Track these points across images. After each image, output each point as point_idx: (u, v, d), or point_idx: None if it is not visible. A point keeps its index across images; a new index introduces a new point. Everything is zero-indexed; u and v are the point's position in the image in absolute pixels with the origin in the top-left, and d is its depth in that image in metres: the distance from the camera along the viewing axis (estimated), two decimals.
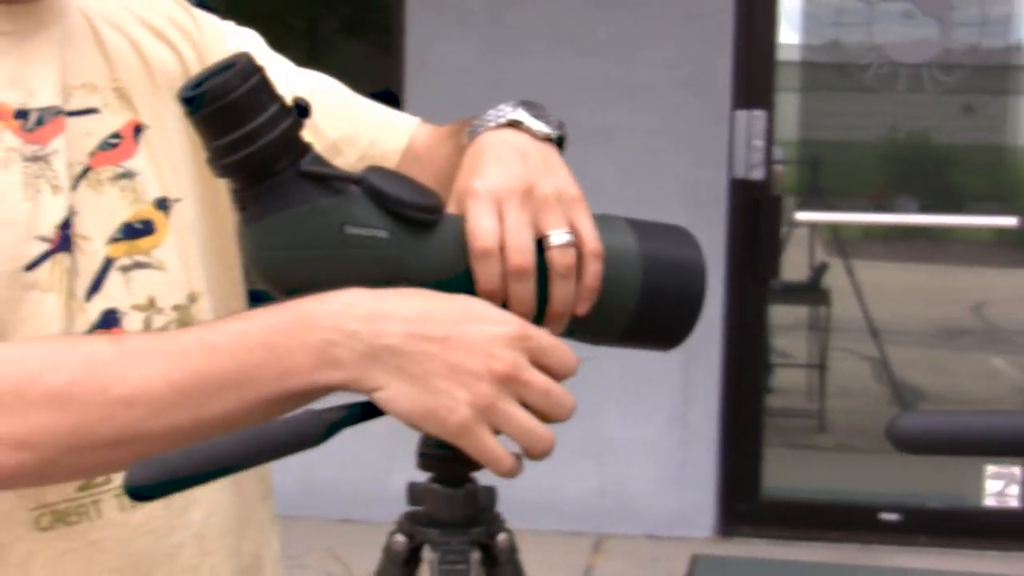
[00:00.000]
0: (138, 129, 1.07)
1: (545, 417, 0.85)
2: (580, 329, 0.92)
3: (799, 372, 4.81)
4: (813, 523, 4.24)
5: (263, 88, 0.83)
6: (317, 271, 0.85)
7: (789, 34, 4.38)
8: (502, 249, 0.87)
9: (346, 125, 1.17)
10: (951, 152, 4.65)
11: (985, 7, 4.34)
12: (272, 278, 0.87)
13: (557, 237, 0.89)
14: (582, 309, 0.91)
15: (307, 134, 0.98)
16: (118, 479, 0.91)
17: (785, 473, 4.41)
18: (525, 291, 0.88)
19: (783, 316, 4.63)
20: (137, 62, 1.10)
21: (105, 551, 1.00)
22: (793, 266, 4.71)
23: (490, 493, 0.92)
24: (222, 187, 1.08)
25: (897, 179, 4.75)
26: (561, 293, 0.89)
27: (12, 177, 0.98)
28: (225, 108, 0.81)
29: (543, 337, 0.85)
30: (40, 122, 1.01)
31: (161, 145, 1.08)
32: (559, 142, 0.99)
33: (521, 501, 4.24)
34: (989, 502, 4.21)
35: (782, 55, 4.30)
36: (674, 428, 4.18)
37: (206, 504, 1.06)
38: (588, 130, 4.15)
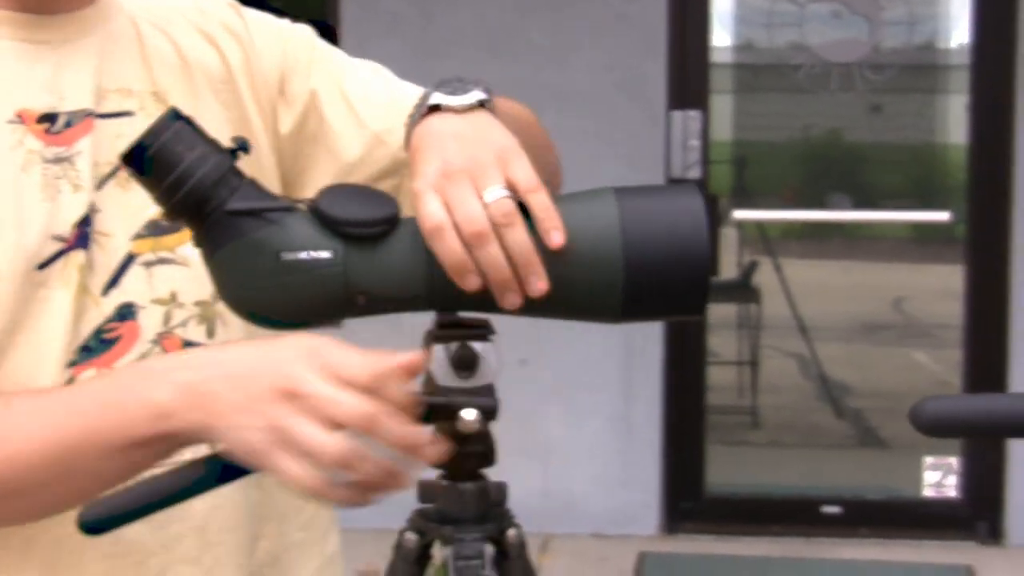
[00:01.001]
0: None
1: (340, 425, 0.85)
2: (576, 307, 0.91)
3: (734, 369, 4.85)
4: (756, 518, 4.28)
5: (182, 137, 0.88)
6: (267, 299, 0.89)
7: (721, 35, 4.43)
8: (457, 227, 0.88)
9: (387, 116, 1.18)
10: (882, 150, 4.73)
11: (913, 6, 4.41)
12: (235, 309, 0.91)
13: (490, 194, 0.89)
14: (555, 242, 0.89)
15: (352, 127, 1.12)
16: None
17: (727, 469, 4.45)
18: (491, 255, 0.88)
19: (717, 314, 4.67)
20: (179, 66, 1.13)
21: (98, 538, 1.01)
22: (725, 265, 4.75)
23: (501, 489, 0.93)
24: (288, 159, 1.16)
25: (827, 177, 4.81)
26: (514, 243, 0.88)
27: (32, 179, 1.03)
28: (151, 160, 0.87)
29: (335, 352, 0.86)
30: (68, 124, 1.06)
31: None
32: (485, 103, 0.98)
33: None
34: (928, 492, 4.27)
35: (715, 57, 4.35)
36: (617, 427, 4.21)
37: (212, 496, 1.05)
38: None
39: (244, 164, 1.02)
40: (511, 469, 3.89)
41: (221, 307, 1.07)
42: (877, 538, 4.16)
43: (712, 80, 4.30)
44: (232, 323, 1.08)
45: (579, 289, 0.89)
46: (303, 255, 0.87)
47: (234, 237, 0.88)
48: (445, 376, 0.90)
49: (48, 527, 1.00)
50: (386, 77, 1.24)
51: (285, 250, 0.87)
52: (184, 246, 1.08)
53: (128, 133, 1.06)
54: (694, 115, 4.17)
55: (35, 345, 1.02)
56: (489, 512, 0.92)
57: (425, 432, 0.87)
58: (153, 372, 0.92)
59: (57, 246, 1.03)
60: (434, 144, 0.94)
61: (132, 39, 1.12)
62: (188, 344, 1.07)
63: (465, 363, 0.90)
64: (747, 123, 4.74)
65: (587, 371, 4.19)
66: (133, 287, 1.06)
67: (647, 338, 4.17)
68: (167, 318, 1.07)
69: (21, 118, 1.05)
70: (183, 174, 0.86)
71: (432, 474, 0.93)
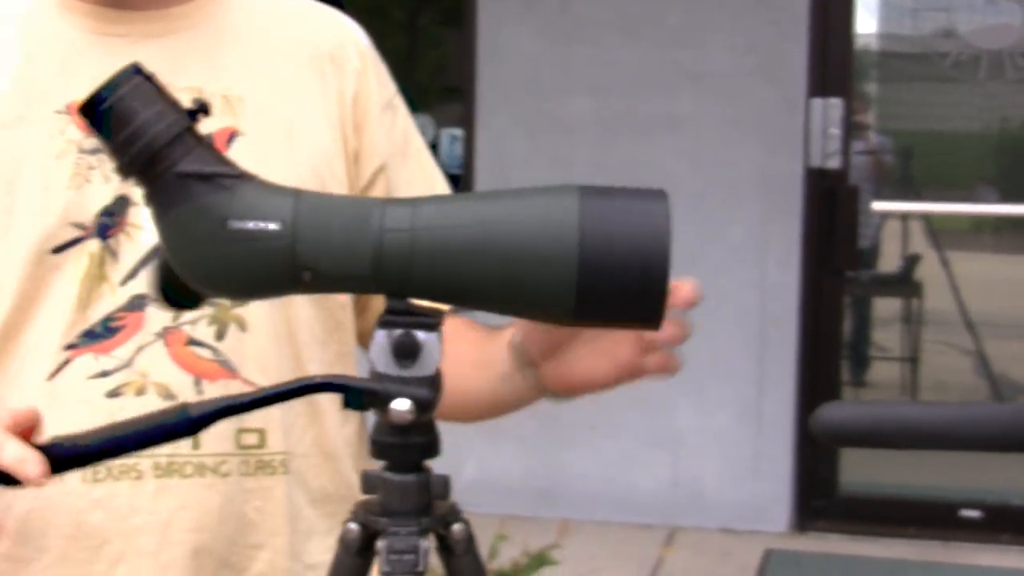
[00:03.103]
0: (233, 135, 1.11)
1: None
2: (529, 304, 0.87)
3: (884, 365, 4.73)
4: (891, 519, 4.17)
5: (140, 93, 0.85)
6: (213, 267, 0.86)
7: (865, 20, 4.30)
8: None
9: None
10: None
11: None
12: (183, 275, 0.88)
13: None
14: None
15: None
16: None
17: (863, 467, 4.32)
18: None
19: (876, 309, 4.55)
20: (267, 76, 1.14)
21: (59, 515, 1.05)
22: (888, 258, 4.63)
23: (444, 482, 0.90)
24: None
25: (978, 168, 4.65)
26: None
27: (63, 167, 1.07)
28: (105, 114, 0.84)
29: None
30: None
31: (253, 154, 1.09)
32: None
33: (593, 494, 4.24)
34: None
35: (858, 43, 4.23)
36: (748, 420, 4.12)
37: (180, 497, 1.07)
38: (657, 118, 4.11)
39: (333, 160, 1.05)
40: (640, 460, 3.87)
41: (240, 312, 1.09)
42: (1019, 545, 4.01)
43: (855, 66, 4.19)
44: (250, 329, 1.09)
45: (531, 286, 0.85)
46: (250, 224, 0.85)
47: (183, 200, 0.85)
48: (385, 363, 0.87)
49: (15, 502, 1.04)
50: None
51: (233, 218, 0.85)
52: None
53: None
54: (835, 103, 4.06)
55: (41, 324, 1.06)
56: (430, 505, 0.89)
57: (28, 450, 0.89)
58: None
59: (75, 233, 1.07)
60: None
61: (217, 37, 1.14)
62: (193, 342, 1.08)
63: (405, 351, 0.87)
64: (889, 111, 4.61)
65: (719, 361, 4.12)
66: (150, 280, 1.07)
67: (782, 329, 4.08)
68: (177, 314, 1.07)
69: (68, 108, 1.08)
70: (136, 130, 0.84)
71: (376, 465, 0.90)
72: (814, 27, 4.05)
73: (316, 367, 1.12)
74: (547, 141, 4.21)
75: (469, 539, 0.92)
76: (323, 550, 1.10)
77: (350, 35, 1.20)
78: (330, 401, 1.11)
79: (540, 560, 2.88)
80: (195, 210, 0.86)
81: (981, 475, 4.30)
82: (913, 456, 4.55)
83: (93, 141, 1.05)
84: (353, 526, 0.90)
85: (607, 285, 0.85)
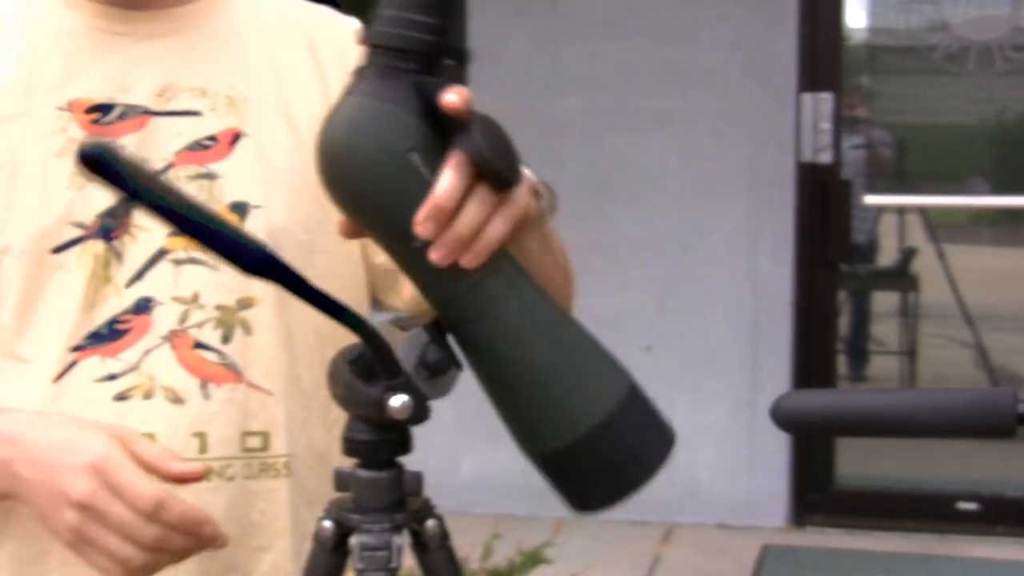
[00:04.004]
0: (237, 137, 1.11)
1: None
2: (517, 418, 0.91)
3: (882, 359, 4.73)
4: (888, 512, 4.16)
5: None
6: (363, 174, 0.84)
7: (854, 13, 4.30)
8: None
9: None
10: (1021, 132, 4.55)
11: None
12: (325, 159, 0.86)
13: None
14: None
15: None
16: None
17: (859, 460, 4.32)
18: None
19: (874, 302, 4.55)
20: (271, 76, 1.14)
21: None
22: (885, 251, 4.62)
23: (416, 479, 0.91)
24: (333, 214, 1.11)
25: (970, 161, 4.65)
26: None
27: (65, 166, 1.06)
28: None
29: (122, 472, 0.95)
30: (122, 117, 1.09)
31: (258, 155, 1.11)
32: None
33: None
34: None
35: (848, 36, 4.23)
36: (743, 415, 4.12)
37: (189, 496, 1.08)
38: (647, 114, 4.11)
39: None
40: None
41: (244, 315, 1.09)
42: (1016, 537, 4.01)
43: (845, 60, 4.19)
44: (255, 333, 1.09)
45: (537, 405, 0.89)
46: (423, 169, 0.84)
47: (394, 100, 0.84)
48: (408, 362, 0.89)
49: (17, 506, 1.04)
50: None
51: (416, 151, 0.84)
52: None
53: (191, 132, 1.09)
54: (825, 97, 4.06)
55: (45, 325, 1.06)
56: (402, 502, 0.90)
57: (204, 514, 0.96)
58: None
59: (76, 233, 1.06)
60: None
61: (221, 37, 1.14)
62: (199, 346, 1.08)
63: (437, 370, 0.90)
64: (880, 105, 4.61)
65: (713, 357, 4.12)
66: (157, 282, 1.08)
67: (775, 323, 4.08)
68: (184, 317, 1.08)
69: (71, 106, 1.08)
70: (433, 23, 0.87)
71: (348, 462, 0.91)
72: (803, 21, 4.05)
73: (310, 371, 1.12)
74: (539, 139, 4.20)
75: (443, 535, 0.92)
76: None
77: (349, 31, 1.20)
78: (322, 404, 1.11)
79: (535, 558, 2.88)
80: (395, 117, 0.84)
81: (977, 467, 4.30)
82: (909, 449, 4.56)
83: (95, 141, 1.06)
84: (327, 523, 0.91)
85: (586, 463, 0.90)
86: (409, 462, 0.92)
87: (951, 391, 0.89)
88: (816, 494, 4.20)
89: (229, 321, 1.09)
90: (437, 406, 0.90)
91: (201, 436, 1.07)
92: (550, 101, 4.17)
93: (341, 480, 0.91)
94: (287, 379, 1.10)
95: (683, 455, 4.13)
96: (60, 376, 1.06)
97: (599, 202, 4.15)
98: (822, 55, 4.10)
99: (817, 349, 4.20)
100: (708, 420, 4.14)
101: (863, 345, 4.86)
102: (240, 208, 1.09)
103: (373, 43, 0.85)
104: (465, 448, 4.06)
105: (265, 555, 1.11)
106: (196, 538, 0.97)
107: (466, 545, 2.56)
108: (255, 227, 1.09)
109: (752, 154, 4.08)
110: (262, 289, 1.09)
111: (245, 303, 1.09)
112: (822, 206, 4.11)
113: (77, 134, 1.07)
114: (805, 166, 4.08)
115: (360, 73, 0.86)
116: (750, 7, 4.05)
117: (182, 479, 0.98)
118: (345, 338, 1.14)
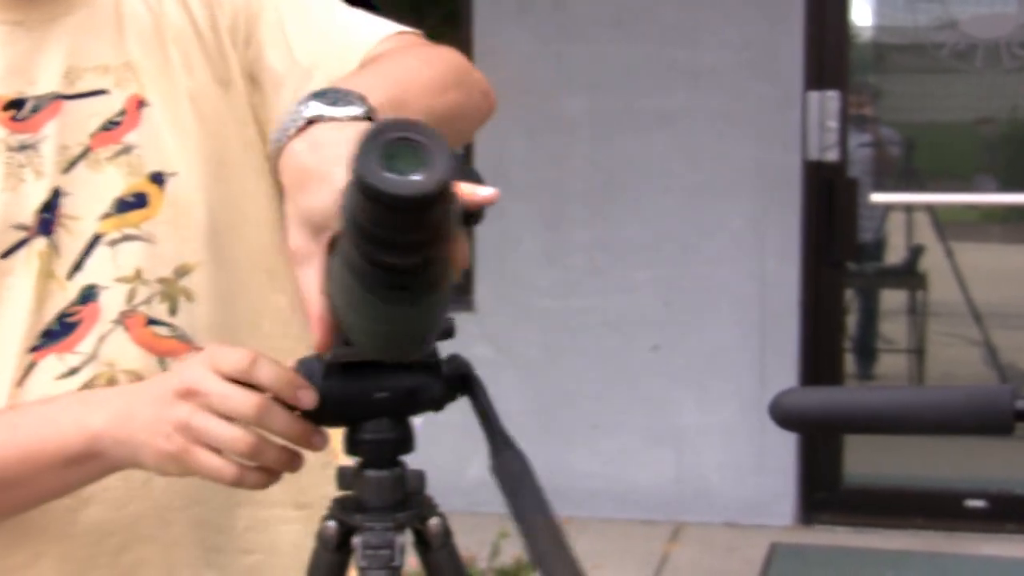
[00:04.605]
0: (141, 103, 1.09)
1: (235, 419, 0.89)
2: None
3: (890, 357, 4.72)
4: (896, 510, 4.16)
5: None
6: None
7: (861, 11, 4.30)
8: None
9: (316, 48, 1.13)
10: None
11: None
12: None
13: None
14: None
15: (283, 58, 1.08)
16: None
17: (867, 459, 4.32)
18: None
19: (882, 301, 4.52)
20: (153, 36, 1.12)
21: (51, 518, 1.05)
22: (893, 249, 4.60)
23: (419, 477, 0.91)
24: (235, 161, 1.12)
25: (978, 158, 4.64)
26: None
27: None
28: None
29: (218, 353, 0.90)
30: (36, 109, 1.07)
31: (163, 119, 1.10)
32: (368, 116, 0.90)
33: (595, 490, 4.24)
34: None
35: (854, 35, 4.23)
36: (751, 414, 4.12)
37: (169, 477, 1.06)
38: (653, 114, 4.11)
39: (225, 100, 1.05)
40: (643, 456, 3.86)
41: (184, 283, 1.08)
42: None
43: (851, 59, 4.19)
44: (197, 299, 1.08)
45: None
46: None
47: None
48: None
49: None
50: (325, 4, 1.17)
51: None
52: (149, 221, 1.07)
53: (103, 112, 1.07)
54: (832, 95, 4.05)
55: (2, 332, 1.04)
56: (406, 500, 0.90)
57: (308, 423, 0.90)
58: (90, 399, 0.98)
59: (20, 235, 1.04)
60: (294, 182, 0.87)
61: (110, 13, 1.12)
62: (152, 322, 1.07)
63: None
64: (887, 103, 4.60)
65: (721, 356, 4.12)
66: (98, 268, 1.06)
67: (783, 322, 4.08)
68: (131, 296, 1.06)
69: None
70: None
71: (351, 462, 0.91)
72: (809, 20, 4.05)
73: (251, 327, 1.12)
74: (544, 139, 4.21)
75: (446, 533, 0.92)
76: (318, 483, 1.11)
77: None
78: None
79: None
80: None
81: (985, 464, 4.30)
82: (916, 447, 4.56)
83: (19, 137, 1.05)
84: (330, 523, 0.91)
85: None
86: (417, 462, 0.92)
87: (949, 388, 0.90)
88: (824, 493, 4.20)
89: (172, 292, 1.08)
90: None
91: None
92: (555, 101, 4.17)
93: (344, 478, 0.91)
94: (233, 340, 1.08)
95: (691, 455, 4.14)
96: (22, 380, 1.05)
97: (605, 202, 4.16)
98: (828, 53, 4.10)
99: (825, 348, 4.20)
100: (716, 420, 4.14)
101: (871, 343, 4.85)
102: (158, 178, 1.08)
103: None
104: (473, 449, 4.07)
105: (242, 510, 1.12)
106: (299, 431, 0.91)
107: (474, 544, 2.57)
108: (174, 194, 1.08)
109: (758, 154, 4.08)
110: (194, 253, 1.08)
111: (182, 271, 1.08)
112: (829, 205, 4.11)
113: (0, 134, 1.06)
114: (811, 165, 4.07)
115: None
116: (755, 6, 4.05)
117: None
118: (281, 289, 1.13)
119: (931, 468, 4.44)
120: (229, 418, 0.88)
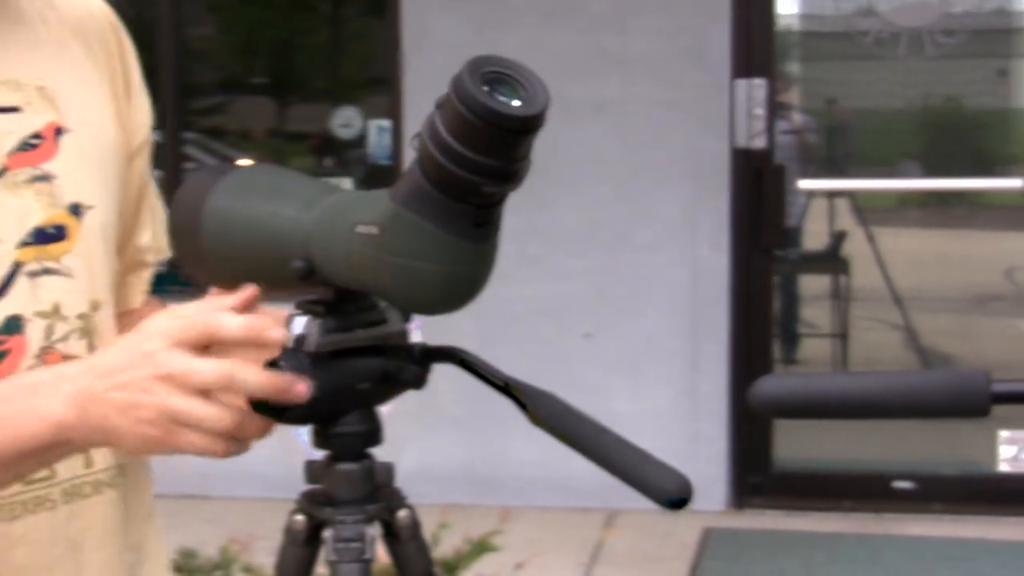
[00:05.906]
0: (59, 131, 1.07)
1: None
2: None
3: (815, 342, 4.78)
4: (826, 493, 4.22)
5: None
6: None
7: (787, 1, 4.33)
8: None
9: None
10: (952, 116, 4.61)
11: None
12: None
13: None
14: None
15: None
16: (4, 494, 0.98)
17: (797, 443, 4.37)
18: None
19: (804, 286, 4.58)
20: (65, 65, 1.09)
21: None
22: (814, 235, 4.66)
23: (387, 469, 0.91)
24: (130, 193, 1.15)
25: (901, 145, 4.71)
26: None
27: None
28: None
29: (176, 325, 0.88)
30: None
31: (80, 149, 1.08)
32: None
33: (531, 479, 4.24)
34: (1003, 467, 4.17)
35: (781, 23, 4.26)
36: (683, 400, 4.15)
37: (86, 518, 1.06)
38: (585, 102, 4.11)
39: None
40: None
41: (98, 319, 1.07)
42: (951, 514, 4.07)
43: (778, 47, 4.22)
44: (105, 334, 1.07)
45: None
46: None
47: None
48: None
49: None
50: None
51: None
52: (68, 255, 1.05)
53: (16, 130, 1.04)
54: (759, 83, 4.09)
55: None
56: (375, 493, 0.90)
57: (284, 374, 0.87)
58: (41, 385, 0.92)
59: None
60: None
61: (23, 30, 1.08)
62: (68, 359, 1.03)
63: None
64: (814, 91, 4.65)
65: (653, 344, 4.14)
66: (19, 298, 1.02)
67: (714, 308, 4.11)
68: (49, 332, 1.03)
69: None
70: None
71: (318, 455, 0.91)
72: (737, 8, 4.07)
73: None
74: None
75: (414, 525, 0.92)
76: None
77: (107, 14, 1.17)
78: None
79: (482, 547, 2.88)
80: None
81: (913, 446, 4.37)
82: (846, 429, 4.62)
83: None
84: (299, 517, 0.90)
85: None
86: None
87: (926, 373, 0.91)
88: (756, 477, 4.24)
89: (89, 328, 1.06)
90: None
91: (86, 454, 1.05)
92: None
93: (313, 472, 0.90)
94: None
95: None
96: None
97: (537, 190, 4.12)
98: (756, 41, 4.13)
99: (756, 334, 4.24)
100: (649, 406, 4.16)
101: (796, 329, 4.92)
102: (76, 210, 1.06)
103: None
104: (406, 438, 4.05)
105: (146, 544, 1.14)
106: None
107: None
108: (89, 228, 1.07)
109: (689, 141, 4.10)
110: (102, 290, 1.08)
111: (95, 305, 1.07)
112: (758, 192, 4.15)
113: None
114: (740, 152, 4.11)
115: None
116: None
117: None
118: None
119: (859, 451, 4.51)
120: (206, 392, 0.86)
